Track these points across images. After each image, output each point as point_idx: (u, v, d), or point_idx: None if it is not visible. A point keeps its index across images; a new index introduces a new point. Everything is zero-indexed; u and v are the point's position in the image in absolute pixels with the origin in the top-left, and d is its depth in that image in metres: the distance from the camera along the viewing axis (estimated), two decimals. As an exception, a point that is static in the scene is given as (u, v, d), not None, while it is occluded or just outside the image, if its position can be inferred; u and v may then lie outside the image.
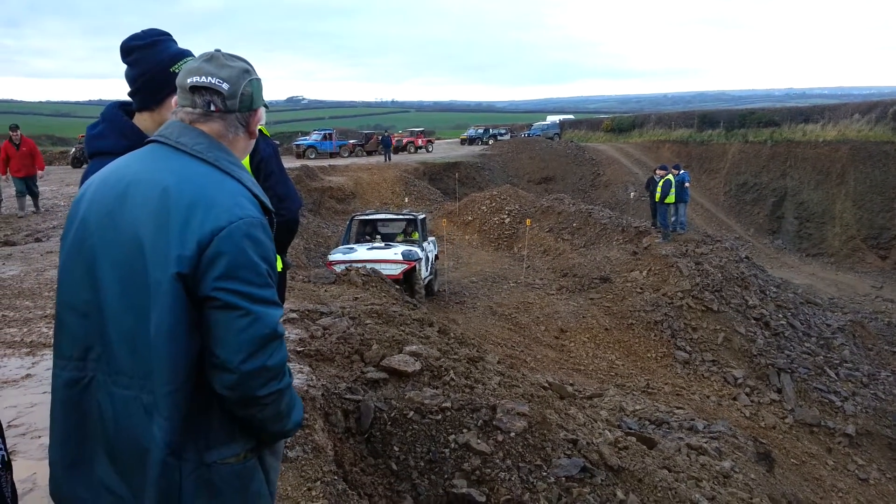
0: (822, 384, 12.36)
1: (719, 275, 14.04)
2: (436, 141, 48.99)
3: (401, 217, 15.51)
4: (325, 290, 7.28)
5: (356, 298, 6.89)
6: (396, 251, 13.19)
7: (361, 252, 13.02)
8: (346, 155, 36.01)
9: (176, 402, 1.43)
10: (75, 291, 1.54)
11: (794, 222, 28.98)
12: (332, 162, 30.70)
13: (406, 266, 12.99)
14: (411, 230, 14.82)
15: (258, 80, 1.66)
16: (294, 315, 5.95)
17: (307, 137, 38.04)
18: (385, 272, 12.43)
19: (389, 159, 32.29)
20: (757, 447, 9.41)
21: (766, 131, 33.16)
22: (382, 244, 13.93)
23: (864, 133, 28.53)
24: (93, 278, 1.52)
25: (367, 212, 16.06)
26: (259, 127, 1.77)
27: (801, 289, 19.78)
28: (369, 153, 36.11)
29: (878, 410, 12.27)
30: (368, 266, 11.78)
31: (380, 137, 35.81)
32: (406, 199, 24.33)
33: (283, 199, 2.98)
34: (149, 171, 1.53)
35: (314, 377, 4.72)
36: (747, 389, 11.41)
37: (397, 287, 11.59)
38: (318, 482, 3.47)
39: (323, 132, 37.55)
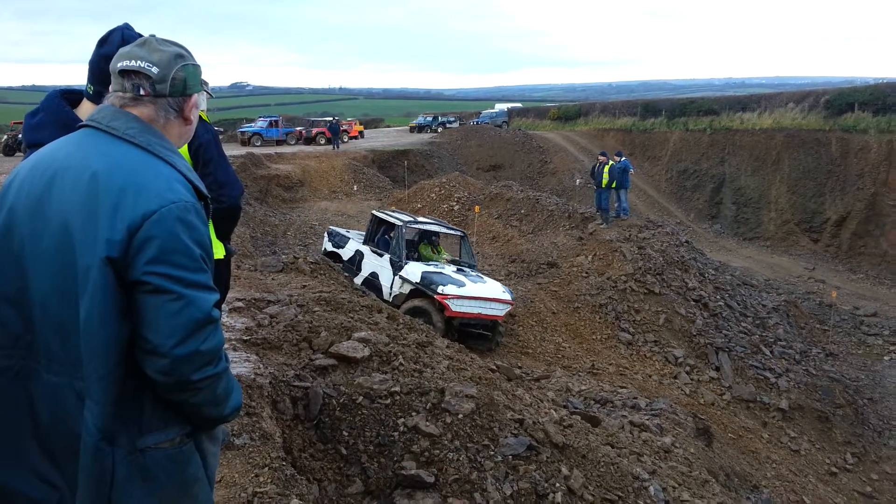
0: (758, 362, 12.93)
1: (661, 259, 14.48)
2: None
3: (452, 232, 12.90)
4: (273, 279, 7.22)
5: (304, 286, 6.86)
6: (496, 287, 11.12)
7: (469, 286, 10.64)
8: (293, 143, 35.45)
9: (107, 386, 1.42)
10: (3, 280, 1.52)
11: (732, 207, 30.04)
12: (279, 150, 30.19)
13: (510, 307, 11.17)
14: (437, 245, 12.45)
15: (194, 65, 1.64)
16: (240, 304, 5.89)
17: (252, 124, 37.27)
18: (487, 312, 10.69)
19: (338, 147, 31.96)
20: (696, 423, 9.79)
21: (706, 120, 34.16)
22: (472, 272, 11.53)
23: (798, 121, 29.70)
24: (21, 266, 1.49)
25: (420, 219, 12.95)
26: (198, 113, 1.77)
27: (738, 271, 20.56)
28: (308, 141, 35.44)
29: (809, 385, 12.91)
30: (476, 307, 10.30)
31: (328, 127, 35.38)
32: (355, 188, 24.17)
33: (224, 186, 2.95)
34: (79, 157, 1.51)
35: (261, 365, 4.69)
36: (687, 368, 11.85)
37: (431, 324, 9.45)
38: (266, 468, 3.48)
39: (269, 119, 36.83)
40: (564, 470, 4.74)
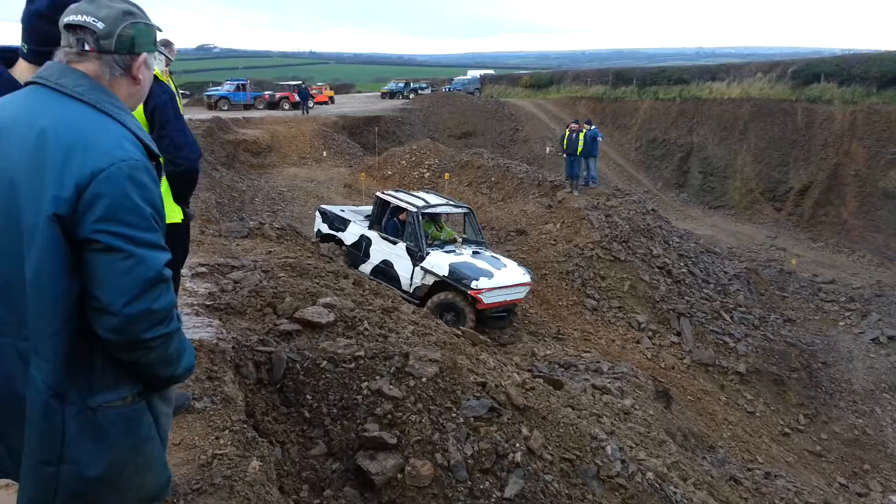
0: (718, 327, 13.29)
1: (627, 226, 14.68)
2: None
3: (460, 210, 12.05)
4: (237, 245, 7.17)
5: (269, 252, 6.83)
6: (518, 270, 10.80)
7: (497, 274, 10.26)
8: (262, 107, 34.76)
9: (57, 344, 1.42)
10: None
11: (699, 177, 30.45)
12: (247, 114, 29.61)
13: (529, 287, 11.00)
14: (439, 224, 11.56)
15: (146, 25, 1.62)
16: (203, 269, 5.86)
17: (219, 88, 36.40)
18: (513, 298, 10.59)
19: (307, 112, 31.46)
20: (656, 386, 10.09)
21: (676, 89, 34.33)
22: (488, 253, 11.12)
23: (766, 91, 30.03)
24: None
25: (430, 201, 11.51)
26: (154, 72, 1.75)
27: (702, 239, 20.94)
28: (272, 106, 34.72)
29: (766, 350, 13.34)
30: (504, 294, 10.12)
31: (296, 92, 34.72)
32: (325, 154, 23.90)
33: (181, 148, 2.91)
34: (26, 114, 1.50)
35: (224, 330, 4.70)
36: (650, 333, 12.13)
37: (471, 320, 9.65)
38: (227, 431, 3.51)
39: (236, 83, 35.99)
40: (525, 431, 4.87)
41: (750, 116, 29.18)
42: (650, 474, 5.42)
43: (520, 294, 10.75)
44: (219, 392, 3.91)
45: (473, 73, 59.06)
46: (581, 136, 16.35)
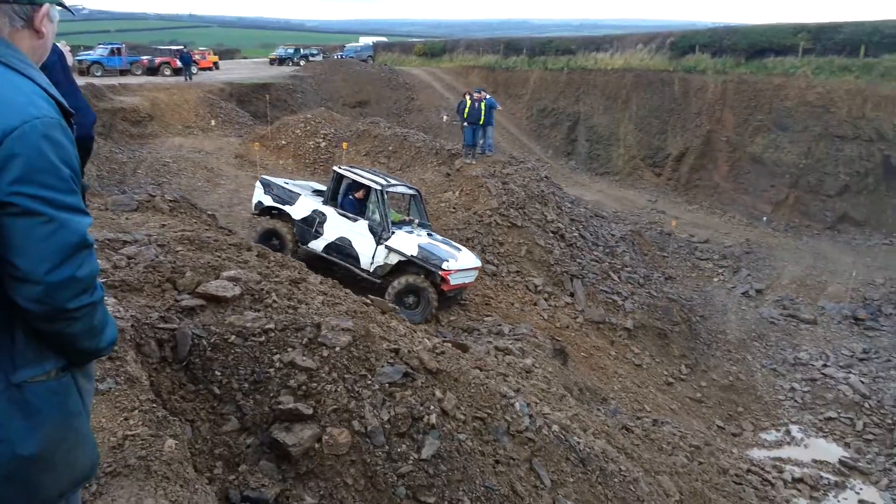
0: (607, 287, 14.07)
1: (523, 193, 15.12)
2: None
3: (410, 191, 11.82)
4: (127, 218, 6.76)
5: (163, 225, 6.49)
6: (472, 254, 11.10)
7: (459, 256, 10.48)
8: (139, 73, 32.47)
9: None
10: None
11: (586, 144, 31.75)
12: (123, 80, 27.57)
13: (479, 270, 11.27)
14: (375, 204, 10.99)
15: None
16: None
17: (91, 52, 33.57)
18: (468, 281, 10.81)
19: (190, 79, 29.74)
20: (554, 345, 10.59)
21: (563, 59, 35.36)
22: (438, 236, 11.21)
23: (646, 62, 31.56)
24: None
25: (391, 181, 11.41)
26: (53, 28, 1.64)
27: (591, 204, 21.96)
28: (152, 72, 32.60)
29: (650, 306, 14.29)
30: (464, 277, 10.33)
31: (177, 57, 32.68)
32: (212, 122, 22.77)
33: (74, 113, 2.73)
34: None
35: (121, 308, 4.47)
36: (546, 295, 12.66)
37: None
38: (136, 411, 3.38)
39: (109, 46, 33.32)
40: (438, 393, 5.00)
41: (632, 86, 30.62)
42: (555, 427, 5.73)
43: (472, 277, 11.00)
44: (122, 372, 3.74)
45: (366, 41, 57.97)
46: (483, 104, 16.57)
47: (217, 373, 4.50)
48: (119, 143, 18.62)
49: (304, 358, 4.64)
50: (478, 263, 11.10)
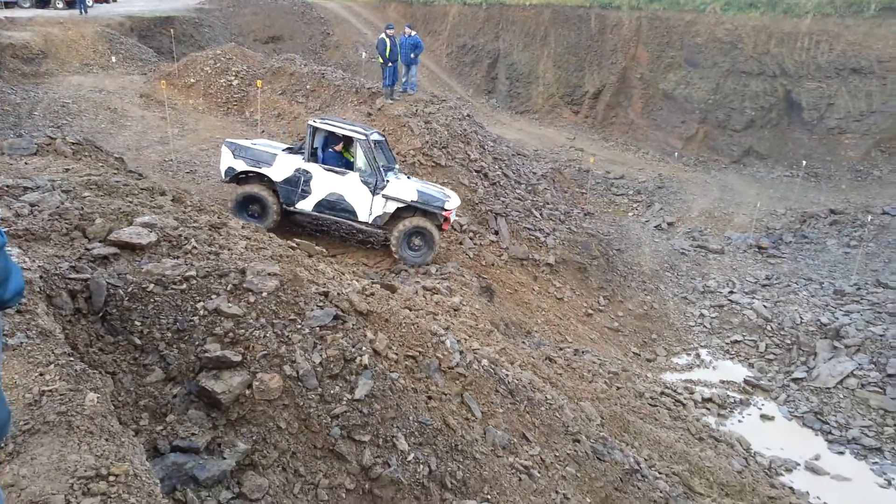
0: (530, 224, 14.34)
1: (446, 132, 15.00)
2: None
3: (380, 137, 11.35)
4: (26, 163, 6.25)
5: (67, 170, 6.04)
6: (451, 191, 11.50)
7: (451, 196, 11.05)
8: (27, 5, 29.50)
9: None
10: None
11: (506, 82, 31.63)
12: (9, 13, 25.00)
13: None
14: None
15: None
16: (-12, 193, 5.07)
17: (-37, -19, 30.15)
18: (453, 218, 11.26)
19: (85, 12, 27.30)
20: (480, 282, 10.78)
21: (483, -7, 34.71)
22: (415, 179, 11.58)
23: (564, -2, 31.44)
24: None
25: (370, 129, 11.07)
26: None
27: (512, 142, 22.10)
28: (43, 4, 29.74)
29: (571, 242, 14.71)
30: (454, 213, 10.77)
31: None
32: (113, 59, 21.15)
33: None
34: None
35: (27, 259, 4.18)
36: (471, 234, 12.77)
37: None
38: (52, 365, 3.21)
39: (-14, -26, 30.00)
40: (369, 334, 5.00)
41: (550, 23, 30.51)
42: (485, 361, 5.88)
43: (454, 215, 11.36)
44: (33, 325, 3.53)
45: (274, -29, 54.70)
46: (407, 44, 16.15)
47: (137, 323, 4.32)
48: (10, 83, 17.03)
49: (230, 305, 4.52)
50: (458, 202, 11.36)
